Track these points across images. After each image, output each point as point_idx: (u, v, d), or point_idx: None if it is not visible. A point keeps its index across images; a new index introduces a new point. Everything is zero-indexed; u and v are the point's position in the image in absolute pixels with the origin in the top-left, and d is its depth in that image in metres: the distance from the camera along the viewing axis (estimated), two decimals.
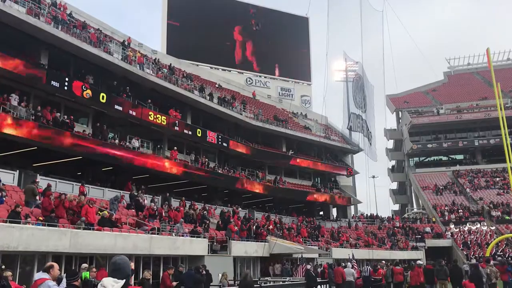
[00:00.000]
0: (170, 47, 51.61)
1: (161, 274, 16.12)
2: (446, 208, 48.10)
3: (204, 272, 16.13)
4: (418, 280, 18.59)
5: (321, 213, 50.16)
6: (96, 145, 23.37)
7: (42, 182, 18.84)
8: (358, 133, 53.11)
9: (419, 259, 21.44)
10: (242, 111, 39.63)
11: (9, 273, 9.80)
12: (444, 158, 65.16)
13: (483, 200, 48.57)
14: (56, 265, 6.86)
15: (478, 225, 43.65)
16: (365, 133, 53.60)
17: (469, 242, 40.38)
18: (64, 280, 7.29)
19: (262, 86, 57.82)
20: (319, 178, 49.39)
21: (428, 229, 44.34)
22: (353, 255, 29.37)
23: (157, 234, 18.35)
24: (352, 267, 21.63)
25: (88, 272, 11.04)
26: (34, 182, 17.46)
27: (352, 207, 54.34)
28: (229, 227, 23.44)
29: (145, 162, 26.62)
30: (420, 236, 42.45)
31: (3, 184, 16.98)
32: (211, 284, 16.85)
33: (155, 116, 28.16)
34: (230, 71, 56.75)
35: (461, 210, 47.11)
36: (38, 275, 6.85)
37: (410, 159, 65.17)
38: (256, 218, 32.96)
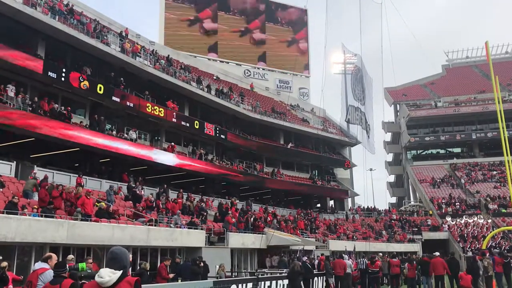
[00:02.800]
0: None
1: (158, 266, 16.13)
2: (443, 201, 48.26)
3: (201, 263, 16.16)
4: (440, 271, 17.62)
5: (318, 205, 50.27)
6: None
7: (40, 173, 18.80)
8: (356, 126, 53.08)
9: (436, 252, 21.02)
10: (240, 103, 39.56)
11: (5, 264, 9.79)
12: (442, 151, 65.27)
13: (480, 193, 48.74)
14: (54, 256, 6.86)
15: (475, 218, 43.80)
16: (364, 125, 53.55)
17: (465, 235, 40.56)
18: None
19: (260, 78, 57.67)
20: (316, 171, 49.45)
21: (430, 221, 44.43)
22: (354, 247, 29.50)
23: (155, 225, 18.37)
24: (349, 259, 21.72)
25: (84, 263, 11.02)
26: (36, 177, 17.33)
27: (350, 199, 54.48)
28: (227, 219, 23.46)
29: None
30: (417, 229, 42.62)
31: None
32: (208, 275, 16.88)
33: (152, 108, 28.08)
34: (228, 62, 56.57)
35: (458, 203, 47.28)
36: (38, 265, 6.86)
37: (407, 152, 65.28)
38: (254, 210, 33.02)
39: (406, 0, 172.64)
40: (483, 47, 67.12)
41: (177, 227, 19.64)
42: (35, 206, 14.56)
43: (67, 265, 6.94)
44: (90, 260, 11.13)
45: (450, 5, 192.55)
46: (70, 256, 11.18)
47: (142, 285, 3.74)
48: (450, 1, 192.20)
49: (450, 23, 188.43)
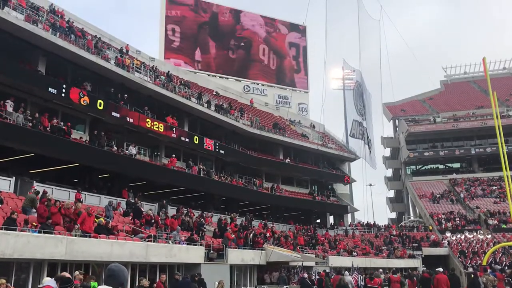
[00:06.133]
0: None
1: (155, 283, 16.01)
2: (443, 217, 48.07)
3: (196, 278, 16.09)
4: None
5: (318, 220, 50.06)
6: None
7: (39, 188, 18.74)
8: (357, 141, 53.14)
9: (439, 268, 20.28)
10: (239, 119, 39.65)
11: (3, 281, 9.71)
12: (441, 167, 65.23)
13: (479, 209, 48.56)
14: (65, 274, 6.79)
15: (475, 234, 43.61)
16: (366, 140, 53.66)
17: (465, 251, 40.32)
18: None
19: (260, 94, 57.91)
20: (316, 186, 49.36)
21: (433, 236, 44.09)
22: (357, 266, 29.26)
23: (154, 241, 18.27)
24: (349, 275, 21.60)
25: (96, 283, 10.94)
26: (37, 193, 17.27)
27: (349, 215, 54.26)
28: (226, 234, 23.36)
29: None
30: (417, 245, 42.35)
31: None
32: None
33: (152, 123, 28.15)
34: (227, 78, 56.86)
35: (458, 219, 47.09)
36: (47, 281, 6.82)
37: (407, 167, 65.23)
38: (253, 226, 32.87)
39: (403, 16, 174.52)
40: (480, 63, 67.60)
41: (176, 243, 19.54)
42: (34, 223, 14.49)
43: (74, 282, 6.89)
44: (93, 280, 11.11)
45: (447, 22, 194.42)
46: (77, 272, 11.13)
47: None
48: (447, 17, 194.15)
49: (448, 39, 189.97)
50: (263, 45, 61.57)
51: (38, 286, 6.98)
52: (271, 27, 63.10)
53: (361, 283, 21.31)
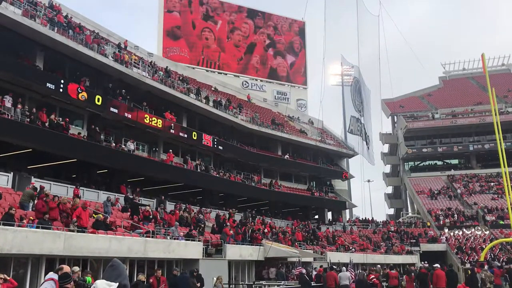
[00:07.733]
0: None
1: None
2: (440, 213, 48.17)
3: (194, 274, 16.12)
4: (442, 284, 17.03)
5: (316, 216, 50.14)
6: None
7: (37, 184, 18.73)
8: (356, 137, 53.13)
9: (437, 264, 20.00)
10: (237, 114, 39.61)
11: (1, 276, 9.72)
12: (439, 163, 65.33)
13: (477, 205, 48.68)
14: (65, 267, 6.79)
15: (473, 230, 43.71)
16: (364, 137, 53.67)
17: (463, 247, 40.42)
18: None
19: (258, 90, 57.86)
20: (314, 182, 49.40)
21: (431, 232, 44.14)
22: (352, 262, 29.32)
23: (152, 237, 18.27)
24: (347, 270, 21.61)
25: (91, 278, 10.96)
26: (35, 189, 17.23)
27: (347, 211, 54.34)
28: (224, 230, 23.38)
29: None
30: (415, 241, 42.47)
31: None
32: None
33: (150, 119, 28.11)
34: (226, 74, 56.79)
35: (456, 215, 47.20)
36: (48, 275, 6.82)
37: (405, 164, 65.32)
38: (251, 222, 32.89)
39: (402, 12, 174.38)
40: (479, 59, 67.69)
41: (174, 238, 19.55)
42: (31, 217, 14.48)
43: (72, 277, 6.87)
44: (89, 275, 11.12)
45: (446, 18, 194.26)
46: (76, 268, 11.13)
47: None
48: (446, 13, 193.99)
49: (447, 36, 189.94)
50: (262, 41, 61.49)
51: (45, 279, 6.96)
52: (270, 22, 62.99)
53: (360, 278, 21.30)
